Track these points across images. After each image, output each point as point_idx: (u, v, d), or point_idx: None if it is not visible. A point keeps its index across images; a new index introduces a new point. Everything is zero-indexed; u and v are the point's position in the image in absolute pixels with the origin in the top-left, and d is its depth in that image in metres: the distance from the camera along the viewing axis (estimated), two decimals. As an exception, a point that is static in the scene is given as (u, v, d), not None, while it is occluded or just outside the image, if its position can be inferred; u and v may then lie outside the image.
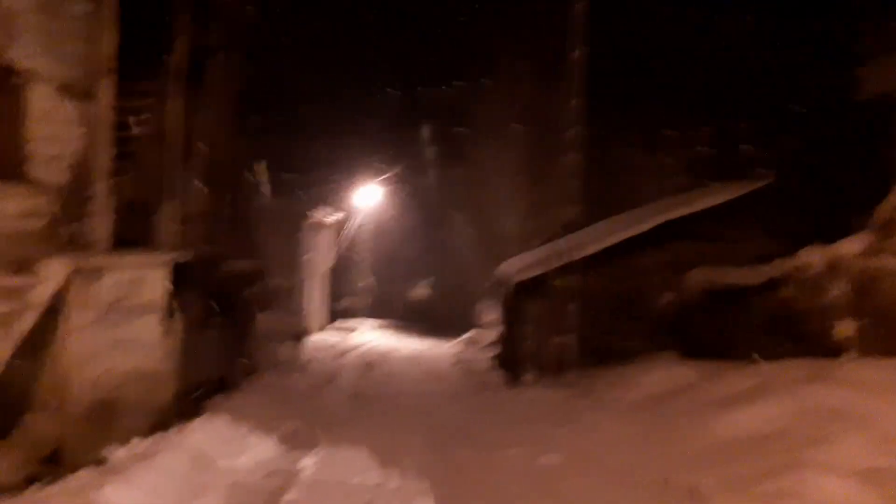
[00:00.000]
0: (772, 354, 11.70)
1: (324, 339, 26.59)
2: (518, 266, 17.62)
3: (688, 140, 18.72)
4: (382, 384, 16.79)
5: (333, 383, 16.58)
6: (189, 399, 11.63)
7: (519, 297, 16.50)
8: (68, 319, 8.55)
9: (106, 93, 9.49)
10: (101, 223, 9.04)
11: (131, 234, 11.43)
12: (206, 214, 13.11)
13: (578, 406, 12.28)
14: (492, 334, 25.37)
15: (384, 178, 35.44)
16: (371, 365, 20.09)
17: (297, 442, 10.31)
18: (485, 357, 21.37)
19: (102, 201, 9.06)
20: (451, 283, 37.05)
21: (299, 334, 24.32)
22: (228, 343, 14.14)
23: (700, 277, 15.19)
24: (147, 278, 9.68)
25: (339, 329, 30.70)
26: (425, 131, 33.93)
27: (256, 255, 20.73)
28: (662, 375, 12.26)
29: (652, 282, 15.76)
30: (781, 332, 11.97)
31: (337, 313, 33.66)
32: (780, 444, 7.80)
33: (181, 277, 10.91)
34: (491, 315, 28.16)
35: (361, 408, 13.75)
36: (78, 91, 10.26)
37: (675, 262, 15.72)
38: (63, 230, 9.69)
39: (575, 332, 15.33)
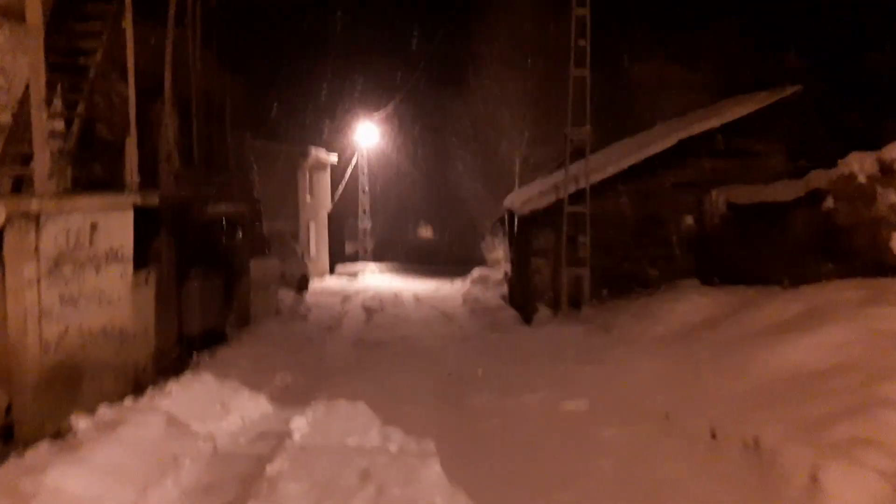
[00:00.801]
0: (814, 276, 10.37)
1: (327, 285, 25.37)
2: (526, 196, 16.19)
3: (709, 50, 16.99)
4: (388, 328, 15.56)
5: (336, 330, 15.35)
6: (171, 357, 10.41)
7: (528, 230, 15.12)
8: (8, 273, 7.22)
9: (38, 11, 7.97)
10: (40, 162, 7.63)
11: (103, 177, 10.07)
12: (180, 152, 11.69)
13: (600, 343, 10.99)
14: (500, 272, 24.14)
15: (383, 116, 33.82)
16: (376, 309, 18.86)
17: (290, 398, 9.07)
18: (494, 295, 20.12)
19: (40, 137, 7.63)
20: (456, 222, 35.73)
21: (301, 280, 23.09)
22: (217, 293, 12.87)
23: (724, 196, 13.77)
24: (106, 224, 8.30)
25: (342, 274, 29.47)
26: (425, 63, 32.29)
27: (248, 197, 19.36)
28: (691, 306, 10.91)
29: (672, 204, 14.35)
30: (825, 250, 10.59)
31: (340, 258, 32.40)
32: (849, 379, 6.47)
33: (150, 222, 9.55)
34: (498, 252, 26.89)
35: (365, 355, 12.53)
36: (14, 12, 8.77)
37: (697, 181, 14.29)
38: (5, 172, 8.31)
39: (589, 262, 13.98)
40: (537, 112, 27.82)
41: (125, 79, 9.85)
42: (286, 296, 18.51)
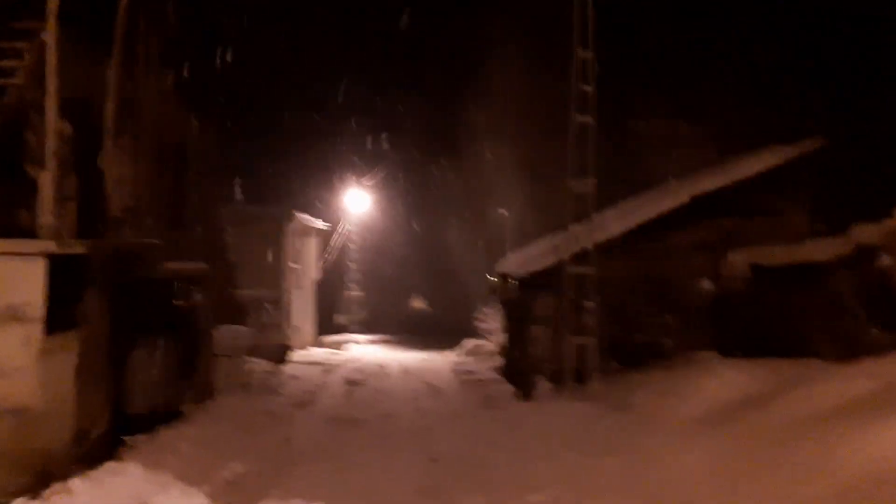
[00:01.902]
0: (864, 346, 8.56)
1: (310, 356, 23.26)
2: (522, 258, 14.42)
3: (718, 104, 15.48)
4: (369, 404, 13.50)
5: (310, 406, 13.29)
6: (99, 441, 8.39)
7: (526, 294, 13.28)
8: None
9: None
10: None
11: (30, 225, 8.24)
12: (132, 200, 9.92)
13: (616, 425, 9.04)
14: (494, 343, 22.18)
15: (373, 182, 32.32)
16: (358, 382, 16.79)
17: (236, 496, 7.06)
18: (487, 367, 18.10)
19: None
20: (448, 291, 33.83)
21: (280, 351, 21.03)
22: (171, 363, 10.90)
23: (745, 258, 12.02)
24: (4, 275, 6.45)
25: (328, 345, 27.38)
26: (416, 129, 30.94)
27: (219, 258, 17.53)
28: (722, 382, 9.02)
29: (686, 267, 12.56)
30: (876, 315, 8.79)
31: (329, 328, 30.38)
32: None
33: (75, 277, 7.68)
34: (492, 322, 24.95)
35: (339, 436, 10.50)
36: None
37: (713, 242, 12.56)
38: None
39: (596, 330, 12.09)
40: (531, 178, 26.41)
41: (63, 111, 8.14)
42: (260, 367, 16.47)
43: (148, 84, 10.26)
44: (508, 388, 14.03)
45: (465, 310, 29.45)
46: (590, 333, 12.06)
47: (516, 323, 14.73)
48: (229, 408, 11.67)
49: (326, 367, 20.13)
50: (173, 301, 10.91)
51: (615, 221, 12.70)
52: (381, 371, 19.43)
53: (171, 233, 11.52)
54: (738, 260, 12.04)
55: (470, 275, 28.88)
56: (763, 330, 11.33)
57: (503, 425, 10.73)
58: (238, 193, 24.49)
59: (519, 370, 14.14)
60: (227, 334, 13.21)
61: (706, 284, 12.19)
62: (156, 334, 10.44)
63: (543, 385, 12.52)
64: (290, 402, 13.44)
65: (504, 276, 15.98)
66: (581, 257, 12.14)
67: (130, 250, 9.38)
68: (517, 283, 14.00)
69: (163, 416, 10.47)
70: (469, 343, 23.20)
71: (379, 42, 29.34)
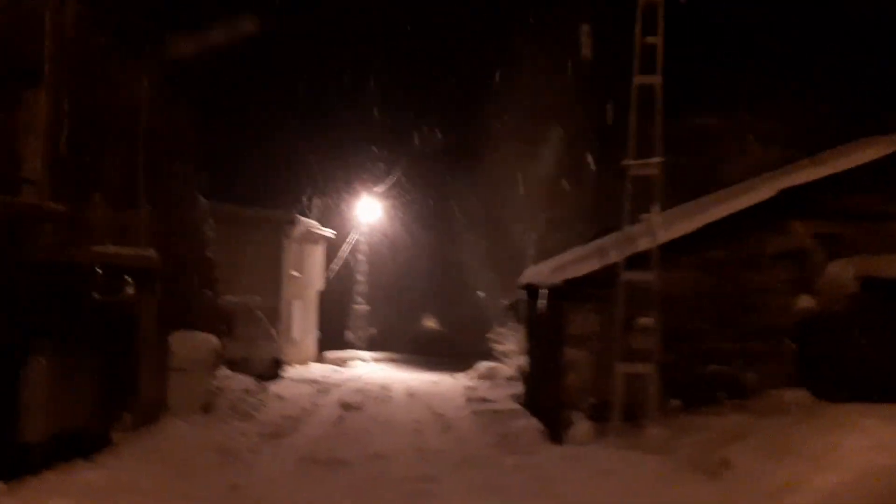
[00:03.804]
0: None
1: (307, 372, 20.11)
2: (554, 266, 11.22)
3: (795, 97, 12.29)
4: (360, 439, 10.29)
5: (285, 438, 10.10)
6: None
7: (560, 308, 10.08)
8: None
9: None
10: None
11: None
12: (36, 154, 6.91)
13: (706, 498, 5.82)
14: (512, 366, 18.97)
15: (385, 192, 29.31)
16: (354, 407, 13.61)
17: None
18: (504, 395, 14.88)
19: None
20: (462, 310, 30.60)
21: (272, 365, 17.90)
22: (89, 376, 7.80)
23: (851, 269, 8.83)
24: None
25: (331, 361, 24.22)
26: (431, 137, 27.96)
27: (202, 259, 14.49)
28: (865, 437, 5.80)
29: (770, 279, 9.35)
30: None
31: (332, 343, 27.24)
32: None
33: None
34: (510, 343, 21.75)
35: (307, 487, 7.32)
36: None
37: (805, 249, 9.37)
38: None
39: (655, 355, 8.86)
40: (555, 193, 23.38)
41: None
42: (239, 385, 13.33)
43: (85, 32, 7.34)
44: (533, 424, 10.78)
45: (479, 330, 26.21)
46: (647, 360, 8.83)
47: (544, 344, 11.52)
48: (173, 437, 8.53)
49: (322, 387, 16.97)
50: (99, 296, 7.83)
51: (679, 222, 9.51)
52: (383, 394, 16.22)
53: (108, 211, 8.50)
54: (843, 271, 8.85)
55: (485, 292, 25.75)
56: (883, 362, 8.15)
57: (532, 482, 7.48)
58: (237, 192, 21.63)
59: (546, 402, 10.91)
60: (180, 342, 10.10)
61: (803, 301, 8.96)
62: (68, 338, 7.38)
63: (581, 424, 9.28)
64: (260, 430, 10.27)
65: (529, 288, 12.80)
66: (638, 261, 8.95)
67: (21, 216, 6.34)
68: (547, 294, 10.81)
69: (76, 445, 7.39)
70: (483, 366, 19.99)
71: (397, 45, 26.50)
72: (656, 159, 8.81)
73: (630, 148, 8.89)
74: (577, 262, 10.32)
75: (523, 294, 14.32)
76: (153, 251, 9.01)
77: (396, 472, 8.18)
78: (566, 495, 6.85)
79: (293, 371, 19.68)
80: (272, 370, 17.65)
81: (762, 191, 9.38)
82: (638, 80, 8.86)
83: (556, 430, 9.69)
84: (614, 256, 9.16)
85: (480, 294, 25.58)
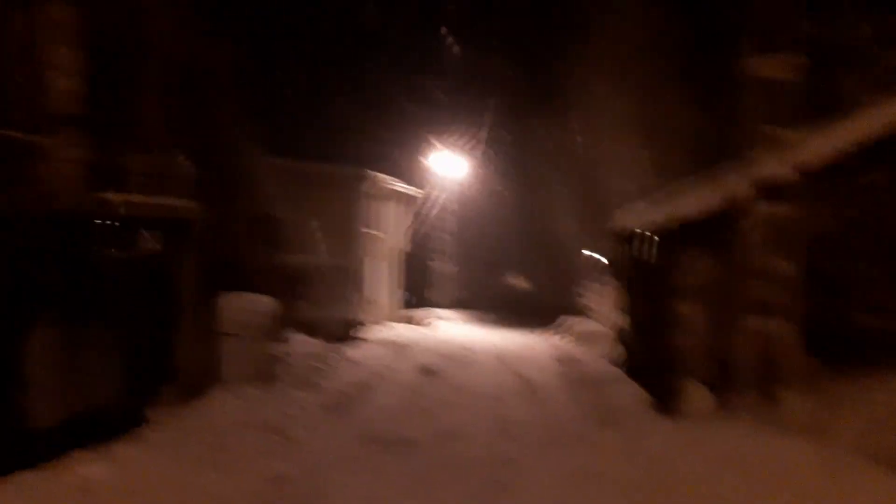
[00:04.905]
0: None
1: (387, 333, 18.95)
2: (658, 206, 9.38)
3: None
4: (434, 411, 8.90)
5: (348, 411, 8.80)
6: None
7: (669, 254, 8.31)
8: None
9: None
10: None
11: None
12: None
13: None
14: (606, 323, 17.23)
15: (469, 144, 27.59)
16: (433, 372, 12.27)
17: None
18: (600, 356, 13.23)
19: None
20: (549, 265, 28.91)
21: (346, 327, 16.80)
22: (117, 348, 6.67)
23: None
24: None
25: (412, 321, 23.06)
26: (515, 82, 25.96)
27: (265, 218, 13.33)
28: None
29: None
30: None
31: (413, 303, 26.10)
32: None
33: None
34: (601, 299, 19.96)
35: (363, 477, 5.98)
36: None
37: None
38: None
39: (794, 309, 7.01)
40: (648, 136, 21.16)
41: None
42: (307, 348, 12.21)
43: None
44: (635, 392, 9.12)
45: (568, 285, 24.49)
46: (782, 314, 6.99)
47: (648, 297, 9.76)
48: (216, 414, 7.34)
49: (400, 349, 15.73)
50: (123, 254, 6.63)
51: (822, 140, 7.50)
52: (464, 355, 14.84)
53: (143, 158, 7.28)
54: None
55: (575, 248, 23.89)
56: None
57: (638, 469, 5.88)
58: (310, 148, 20.46)
59: (652, 366, 9.21)
60: (232, 305, 8.90)
61: None
62: (82, 304, 6.22)
63: (697, 393, 7.58)
64: (322, 402, 9.01)
65: (627, 234, 11.00)
66: (771, 192, 7.06)
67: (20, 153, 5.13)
68: (652, 239, 9.03)
69: (100, 427, 6.28)
70: (573, 323, 18.27)
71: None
72: (790, 56, 6.83)
73: (749, 41, 6.91)
74: (688, 198, 8.48)
75: (619, 242, 12.54)
76: (193, 203, 7.75)
77: (472, 455, 6.73)
78: (688, 489, 5.22)
79: (371, 333, 18.56)
80: (347, 333, 16.55)
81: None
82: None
83: (665, 400, 8.03)
84: (739, 188, 7.29)
85: (570, 246, 23.70)
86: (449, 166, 27.65)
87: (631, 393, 9.09)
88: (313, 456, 6.64)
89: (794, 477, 5.10)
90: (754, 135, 7.24)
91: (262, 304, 9.50)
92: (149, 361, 7.23)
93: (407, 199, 24.90)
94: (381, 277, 22.11)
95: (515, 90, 26.05)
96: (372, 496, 5.52)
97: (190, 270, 7.83)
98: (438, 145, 27.45)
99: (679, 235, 7.92)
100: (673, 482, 5.54)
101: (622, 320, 13.03)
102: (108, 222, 6.37)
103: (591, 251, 19.43)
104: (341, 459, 6.53)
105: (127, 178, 7.25)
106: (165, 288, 7.56)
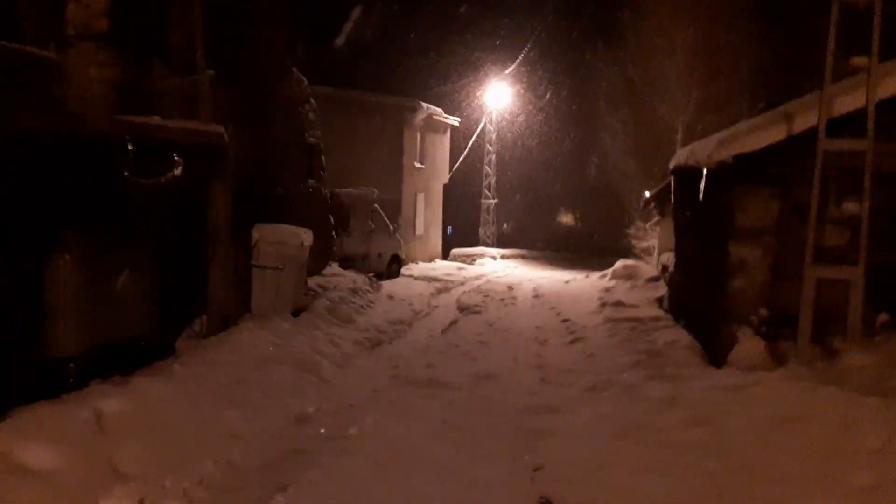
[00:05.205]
0: None
1: (430, 269, 18.75)
2: (717, 141, 8.68)
3: None
4: (469, 351, 8.63)
5: (380, 349, 8.62)
6: None
7: (724, 193, 7.69)
8: None
9: None
10: None
11: None
12: None
13: None
14: (654, 265, 16.65)
15: (516, 74, 26.68)
16: (472, 310, 11.99)
17: None
18: (646, 299, 12.70)
19: None
20: (601, 204, 28.06)
21: (391, 262, 16.60)
22: (142, 278, 6.48)
23: None
24: None
25: (458, 257, 22.81)
26: (568, 13, 24.83)
27: (305, 147, 12.99)
28: None
29: None
30: None
31: (462, 240, 25.77)
32: None
33: None
34: (652, 240, 19.31)
35: (393, 425, 5.74)
36: None
37: None
38: None
39: (862, 255, 6.41)
40: (709, 68, 19.99)
41: None
42: (347, 283, 12.03)
43: None
44: (683, 339, 8.64)
45: (619, 225, 23.77)
46: (848, 261, 6.39)
47: (702, 240, 9.17)
48: (245, 348, 7.15)
49: (442, 286, 15.51)
50: (149, 181, 6.36)
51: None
52: (507, 295, 14.53)
53: (172, 80, 6.96)
54: None
55: (626, 184, 23.08)
56: None
57: (686, 426, 5.47)
58: (355, 77, 19.98)
59: (703, 312, 8.69)
60: (266, 236, 8.66)
61: None
62: (106, 230, 6.02)
63: (750, 343, 7.07)
64: (357, 338, 8.82)
65: (681, 172, 10.32)
66: (842, 127, 6.37)
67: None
68: (707, 176, 8.38)
69: (128, 358, 6.16)
70: (622, 265, 17.69)
71: None
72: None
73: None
74: (749, 132, 7.79)
75: (676, 182, 11.84)
76: (221, 128, 7.43)
77: (508, 402, 6.42)
78: (742, 451, 4.81)
79: (414, 268, 18.38)
80: (390, 268, 16.39)
81: None
82: None
83: (715, 350, 7.55)
84: (806, 121, 6.61)
85: (625, 187, 22.88)
86: (496, 98, 26.85)
87: (678, 339, 8.61)
88: (341, 396, 6.43)
89: (857, 439, 4.64)
90: (829, 64, 6.49)
91: (298, 236, 9.25)
92: (180, 293, 7.06)
93: (453, 132, 24.31)
94: (427, 212, 21.79)
95: (574, 19, 24.95)
96: (400, 441, 5.26)
97: (223, 199, 7.57)
98: (486, 76, 26.63)
99: (739, 173, 7.30)
100: (725, 441, 5.13)
101: (675, 264, 12.45)
102: (137, 147, 6.08)
103: (648, 192, 18.65)
104: (371, 401, 6.30)
105: (158, 101, 6.97)
106: (197, 217, 7.33)
